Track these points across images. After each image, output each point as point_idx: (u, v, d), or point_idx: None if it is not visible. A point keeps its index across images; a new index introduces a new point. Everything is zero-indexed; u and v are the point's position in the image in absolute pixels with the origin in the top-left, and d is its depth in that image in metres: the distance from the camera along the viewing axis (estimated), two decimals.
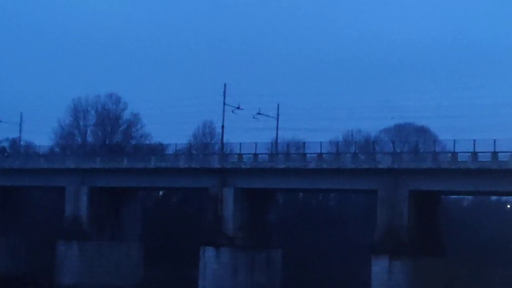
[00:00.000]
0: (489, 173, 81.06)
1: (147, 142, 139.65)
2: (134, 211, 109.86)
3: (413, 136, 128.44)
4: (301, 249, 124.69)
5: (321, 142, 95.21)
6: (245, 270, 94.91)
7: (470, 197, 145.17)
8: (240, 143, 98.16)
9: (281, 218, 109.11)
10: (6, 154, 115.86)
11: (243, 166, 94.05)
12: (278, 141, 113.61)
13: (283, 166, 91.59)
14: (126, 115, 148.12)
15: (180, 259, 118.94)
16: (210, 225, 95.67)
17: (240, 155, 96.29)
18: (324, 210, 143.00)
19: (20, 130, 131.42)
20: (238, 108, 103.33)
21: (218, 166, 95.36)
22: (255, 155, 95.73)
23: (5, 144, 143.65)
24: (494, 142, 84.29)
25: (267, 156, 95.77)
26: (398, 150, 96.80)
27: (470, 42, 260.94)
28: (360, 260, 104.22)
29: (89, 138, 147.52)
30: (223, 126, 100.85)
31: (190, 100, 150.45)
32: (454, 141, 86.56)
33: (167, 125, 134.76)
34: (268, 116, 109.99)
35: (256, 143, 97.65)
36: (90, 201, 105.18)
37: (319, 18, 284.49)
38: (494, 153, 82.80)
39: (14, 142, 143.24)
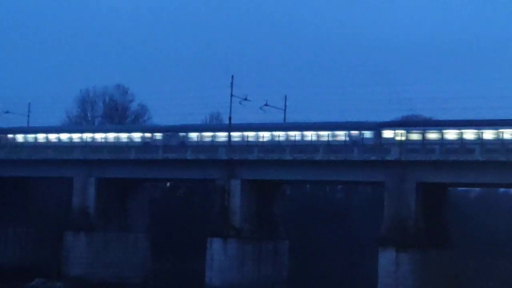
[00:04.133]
0: (497, 165, 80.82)
1: None
2: (141, 202, 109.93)
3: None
4: (308, 241, 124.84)
5: (328, 134, 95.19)
6: (252, 261, 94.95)
7: (478, 189, 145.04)
8: (247, 135, 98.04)
9: (288, 210, 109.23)
10: (13, 145, 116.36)
11: (250, 158, 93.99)
12: None
13: (290, 157, 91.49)
14: (134, 106, 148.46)
15: (187, 250, 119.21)
16: (217, 216, 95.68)
17: (247, 146, 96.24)
18: (331, 202, 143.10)
19: (28, 121, 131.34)
20: (246, 99, 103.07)
21: (225, 158, 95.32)
22: (262, 146, 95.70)
23: None
24: (502, 133, 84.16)
25: (274, 147, 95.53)
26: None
27: (477, 36, 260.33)
28: (367, 252, 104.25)
29: None
30: (230, 118, 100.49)
31: (198, 91, 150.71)
32: (462, 132, 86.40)
33: (174, 117, 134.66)
34: (275, 107, 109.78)
35: (263, 135, 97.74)
36: (98, 192, 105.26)
37: (327, 10, 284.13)
38: (502, 145, 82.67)
39: None
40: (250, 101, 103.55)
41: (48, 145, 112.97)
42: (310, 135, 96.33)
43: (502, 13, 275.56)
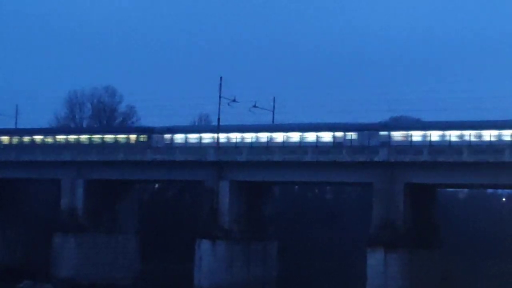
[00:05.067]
0: (485, 166, 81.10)
1: None
2: (130, 203, 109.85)
3: None
4: (297, 242, 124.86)
5: (317, 135, 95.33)
6: (241, 262, 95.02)
7: (466, 190, 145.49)
8: (236, 136, 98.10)
9: (277, 211, 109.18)
10: (1, 147, 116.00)
11: (239, 159, 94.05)
12: None
13: (279, 158, 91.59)
14: (122, 107, 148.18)
15: (176, 251, 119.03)
16: (206, 217, 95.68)
17: (235, 147, 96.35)
18: (320, 202, 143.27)
19: (16, 123, 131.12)
20: (234, 101, 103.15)
21: (214, 159, 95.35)
22: (251, 147, 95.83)
23: None
24: (490, 135, 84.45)
25: (263, 148, 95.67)
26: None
27: (465, 36, 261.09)
28: (356, 252, 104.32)
29: None
30: (219, 119, 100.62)
31: (186, 92, 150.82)
32: (450, 134, 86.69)
33: (163, 118, 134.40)
34: (264, 109, 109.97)
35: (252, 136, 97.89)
36: (86, 194, 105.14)
37: (315, 11, 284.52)
38: (490, 146, 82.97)
39: None
40: (238, 102, 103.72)
41: (36, 146, 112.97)
42: (298, 136, 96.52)
43: (495, 14, 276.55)
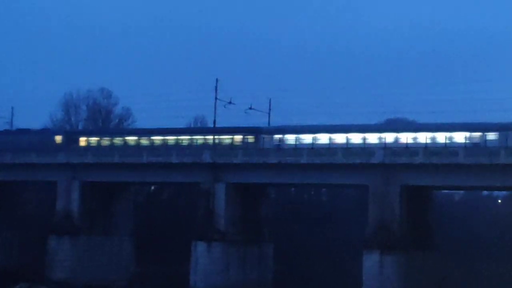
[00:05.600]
0: (480, 167, 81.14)
1: None
2: (125, 206, 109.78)
3: None
4: (293, 244, 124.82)
5: (313, 137, 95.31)
6: (237, 265, 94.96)
7: (462, 191, 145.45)
8: (233, 138, 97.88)
9: (273, 213, 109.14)
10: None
11: (235, 161, 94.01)
12: None
13: (275, 161, 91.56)
14: (118, 109, 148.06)
15: (171, 254, 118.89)
16: (201, 220, 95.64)
17: (232, 150, 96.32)
18: (316, 205, 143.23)
19: (12, 125, 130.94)
20: (230, 103, 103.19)
21: (210, 161, 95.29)
22: (247, 149, 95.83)
23: None
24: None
25: (258, 150, 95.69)
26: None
27: (465, 36, 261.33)
28: (352, 254, 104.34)
29: None
30: (215, 121, 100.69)
31: (182, 94, 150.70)
32: (445, 136, 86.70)
33: (159, 120, 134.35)
34: (260, 111, 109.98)
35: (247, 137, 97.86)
36: (82, 196, 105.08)
37: (312, 14, 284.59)
38: (485, 148, 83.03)
39: None
40: (234, 104, 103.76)
41: (31, 148, 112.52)
42: (294, 138, 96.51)
43: (495, 14, 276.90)
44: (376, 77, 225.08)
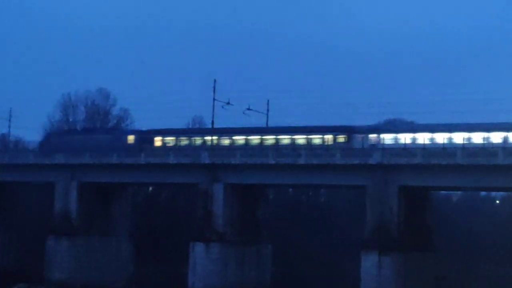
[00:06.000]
0: (478, 168, 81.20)
1: None
2: (123, 206, 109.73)
3: None
4: (291, 245, 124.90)
5: (311, 138, 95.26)
6: (235, 265, 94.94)
7: (460, 192, 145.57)
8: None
9: (271, 214, 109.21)
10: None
11: (233, 162, 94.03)
12: None
13: (273, 161, 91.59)
14: (116, 110, 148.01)
15: (170, 254, 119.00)
16: (200, 220, 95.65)
17: (230, 150, 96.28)
18: (314, 205, 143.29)
19: (10, 126, 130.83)
20: (228, 103, 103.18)
21: (208, 162, 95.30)
22: (245, 150, 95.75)
23: None
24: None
25: (257, 151, 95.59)
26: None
27: (465, 37, 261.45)
28: (350, 255, 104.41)
29: None
30: (212, 122, 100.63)
31: (180, 95, 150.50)
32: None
33: (157, 121, 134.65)
34: (258, 111, 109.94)
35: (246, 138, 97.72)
36: (80, 197, 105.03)
37: (309, 14, 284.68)
38: (484, 148, 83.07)
39: (3, 138, 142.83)
40: (232, 105, 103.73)
41: (29, 149, 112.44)
42: (291, 139, 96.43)
43: (494, 15, 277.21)
44: (374, 78, 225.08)
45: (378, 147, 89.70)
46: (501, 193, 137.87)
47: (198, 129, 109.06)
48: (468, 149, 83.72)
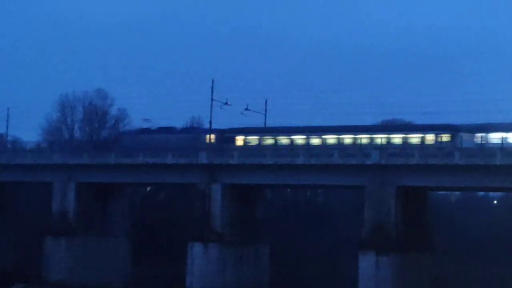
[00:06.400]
0: (476, 168, 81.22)
1: None
2: (121, 207, 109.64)
3: None
4: (289, 245, 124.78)
5: (309, 138, 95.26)
6: (233, 266, 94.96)
7: (458, 192, 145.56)
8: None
9: (269, 214, 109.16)
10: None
11: (231, 162, 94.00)
12: None
13: (271, 162, 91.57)
14: (113, 110, 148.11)
15: (168, 255, 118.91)
16: (198, 221, 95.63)
17: (228, 150, 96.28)
18: (312, 206, 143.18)
19: (7, 126, 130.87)
20: (226, 103, 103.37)
21: (206, 162, 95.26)
22: (243, 150, 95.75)
23: None
24: (481, 137, 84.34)
25: (255, 151, 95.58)
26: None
27: (464, 37, 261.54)
28: (348, 255, 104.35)
29: (77, 134, 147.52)
30: (211, 122, 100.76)
31: (178, 95, 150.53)
32: (441, 137, 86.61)
33: (155, 121, 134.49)
34: (256, 112, 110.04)
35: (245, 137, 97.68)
36: (78, 197, 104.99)
37: (307, 14, 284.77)
38: (481, 149, 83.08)
39: (1, 138, 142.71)
40: (230, 105, 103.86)
41: (27, 149, 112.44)
42: (290, 139, 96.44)
43: (489, 15, 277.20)
44: (373, 78, 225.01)
45: (487, 147, 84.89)
46: (499, 193, 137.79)
47: (283, 128, 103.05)
48: (465, 149, 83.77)
